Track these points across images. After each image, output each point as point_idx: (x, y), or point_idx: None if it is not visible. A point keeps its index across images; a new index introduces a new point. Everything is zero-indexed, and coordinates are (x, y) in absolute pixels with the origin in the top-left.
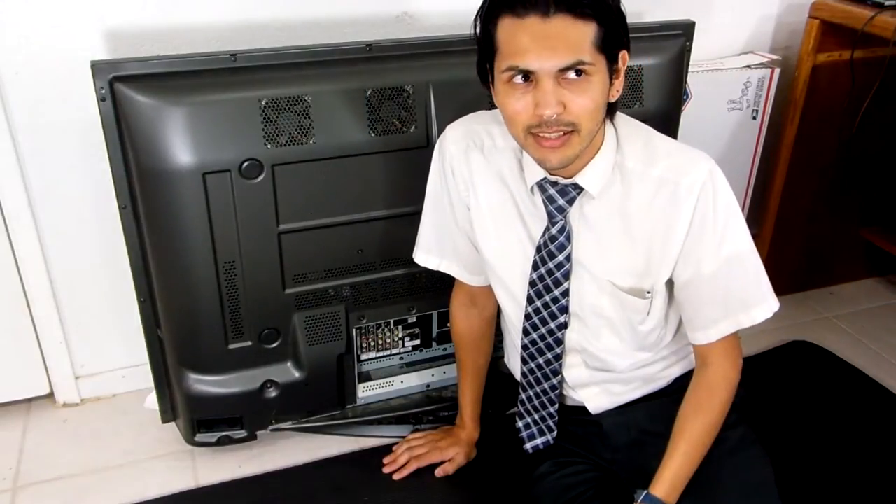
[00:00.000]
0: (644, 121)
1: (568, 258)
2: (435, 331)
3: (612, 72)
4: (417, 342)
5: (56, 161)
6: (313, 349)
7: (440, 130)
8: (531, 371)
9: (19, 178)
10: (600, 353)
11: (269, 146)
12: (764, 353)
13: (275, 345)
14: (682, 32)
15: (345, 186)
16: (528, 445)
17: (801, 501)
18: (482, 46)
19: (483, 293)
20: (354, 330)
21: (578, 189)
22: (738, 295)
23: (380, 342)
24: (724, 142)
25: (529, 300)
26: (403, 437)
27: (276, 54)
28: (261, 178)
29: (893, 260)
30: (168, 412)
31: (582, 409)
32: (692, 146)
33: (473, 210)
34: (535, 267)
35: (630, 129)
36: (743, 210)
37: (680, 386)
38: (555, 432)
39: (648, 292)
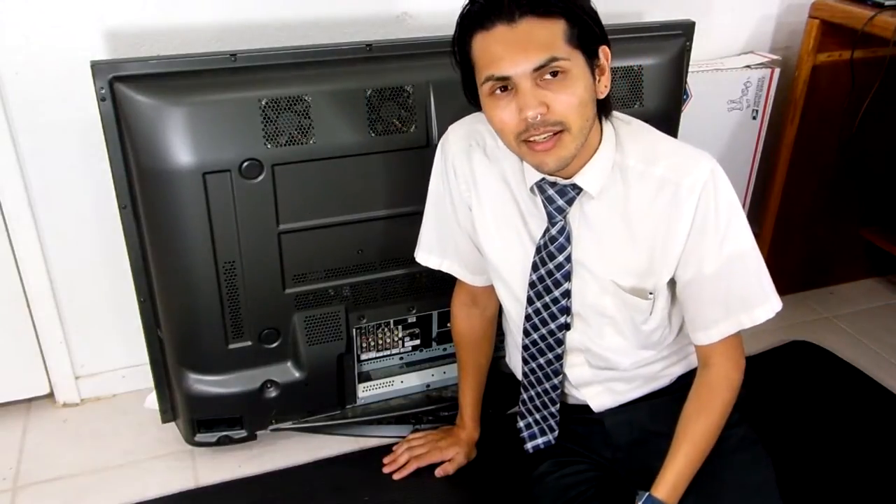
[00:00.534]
0: (644, 121)
1: (568, 259)
2: (435, 331)
3: (595, 67)
4: (417, 342)
5: (56, 161)
6: (313, 349)
7: (440, 130)
8: (532, 371)
9: (19, 178)
10: (604, 352)
11: (269, 146)
12: (764, 353)
13: (275, 345)
14: (682, 32)
15: (345, 186)
16: (529, 445)
17: (801, 501)
18: (463, 68)
19: (484, 293)
20: (354, 330)
21: (577, 189)
22: (740, 295)
23: (380, 342)
24: (724, 142)
25: (530, 301)
26: (403, 437)
27: (276, 54)
28: (261, 178)
29: (893, 260)
30: (168, 412)
31: (584, 408)
32: (692, 146)
33: (475, 210)
34: (535, 268)
35: (630, 129)
36: (743, 210)
37: (682, 385)
38: (556, 432)
39: (651, 293)
